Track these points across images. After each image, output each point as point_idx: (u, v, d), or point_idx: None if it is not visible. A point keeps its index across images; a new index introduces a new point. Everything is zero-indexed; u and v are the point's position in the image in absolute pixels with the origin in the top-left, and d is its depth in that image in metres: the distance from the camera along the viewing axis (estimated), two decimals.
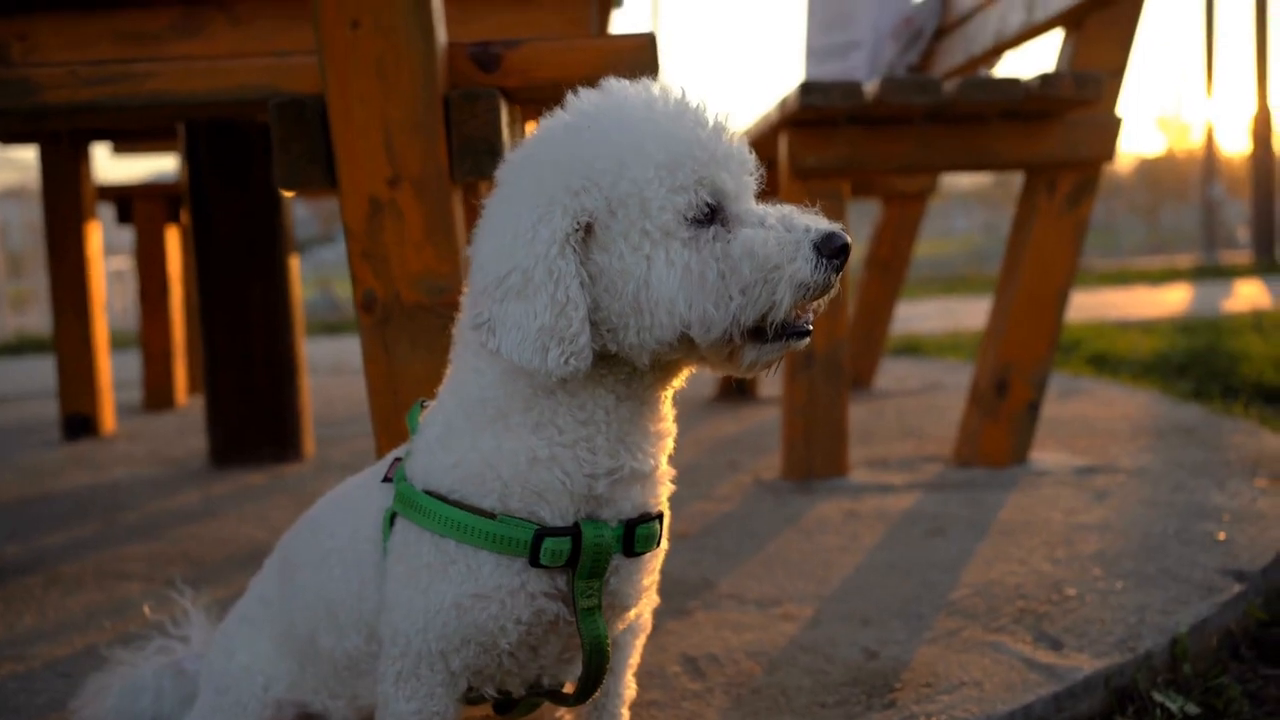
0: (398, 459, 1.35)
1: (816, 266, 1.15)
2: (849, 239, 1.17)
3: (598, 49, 1.76)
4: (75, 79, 1.71)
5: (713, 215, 1.17)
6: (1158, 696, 1.74)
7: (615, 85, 1.22)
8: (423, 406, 1.36)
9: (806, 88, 2.77)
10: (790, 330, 1.18)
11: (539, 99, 1.89)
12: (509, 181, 1.22)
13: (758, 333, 1.17)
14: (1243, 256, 17.33)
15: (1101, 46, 2.99)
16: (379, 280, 1.66)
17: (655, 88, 1.22)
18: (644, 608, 1.37)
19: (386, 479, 1.34)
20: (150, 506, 3.25)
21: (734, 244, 1.15)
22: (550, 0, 2.53)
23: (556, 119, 1.23)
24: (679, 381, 1.27)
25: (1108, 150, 3.01)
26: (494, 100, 1.63)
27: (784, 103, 2.97)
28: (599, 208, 1.15)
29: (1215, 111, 17.37)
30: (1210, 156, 18.51)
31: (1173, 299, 9.73)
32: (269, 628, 1.46)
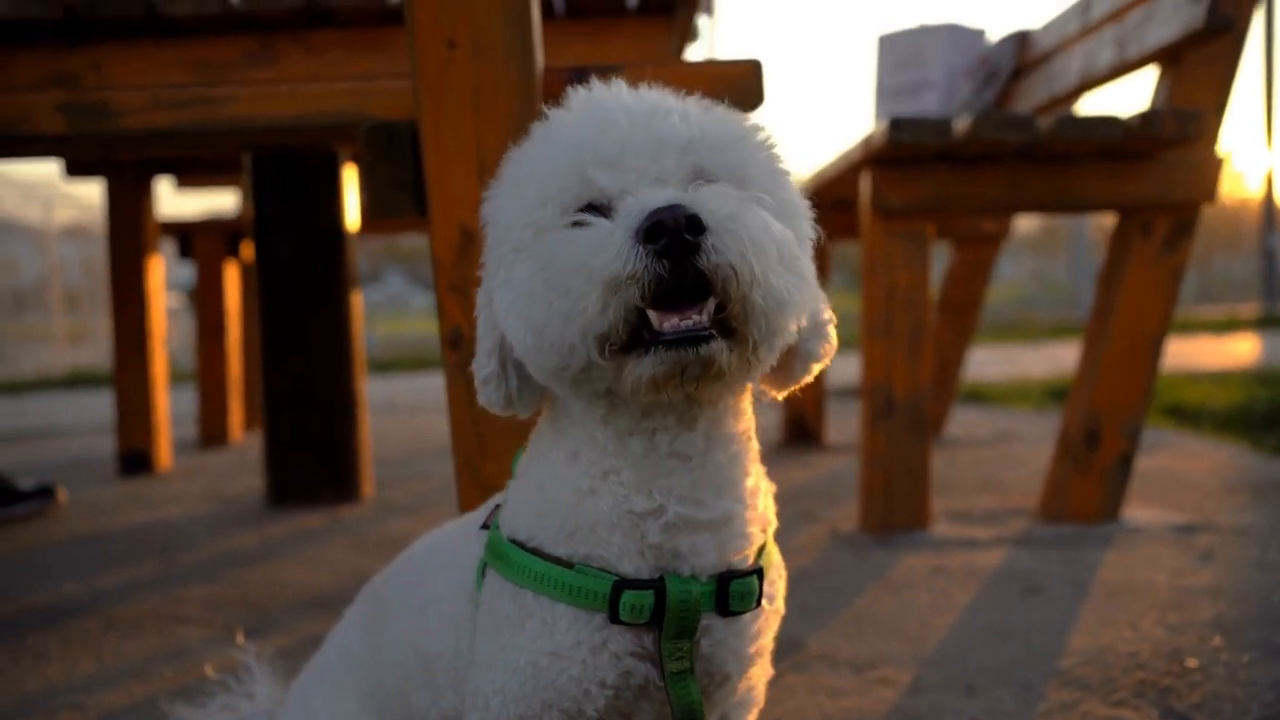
0: (498, 505, 1.24)
1: (630, 256, 0.93)
2: (677, 213, 0.92)
3: (700, 75, 1.66)
4: (155, 103, 1.64)
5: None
6: None
7: (575, 93, 1.11)
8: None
9: (895, 124, 2.66)
10: (660, 339, 0.95)
11: None
12: None
13: (631, 346, 0.97)
14: None
15: (1201, 84, 2.85)
16: (467, 316, 1.56)
17: (598, 89, 1.09)
18: (757, 679, 1.20)
19: (485, 526, 1.23)
20: (207, 547, 3.17)
21: (545, 249, 1.00)
22: (630, 30, 2.46)
23: None
24: (721, 425, 1.08)
25: (1208, 191, 2.87)
26: None
27: (869, 139, 2.87)
28: (490, 241, 1.12)
29: (1275, 159, 17.02)
30: (1270, 205, 18.18)
31: (1240, 349, 9.47)
32: (353, 684, 1.34)
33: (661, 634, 1.08)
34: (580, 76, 1.63)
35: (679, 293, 0.94)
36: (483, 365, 1.12)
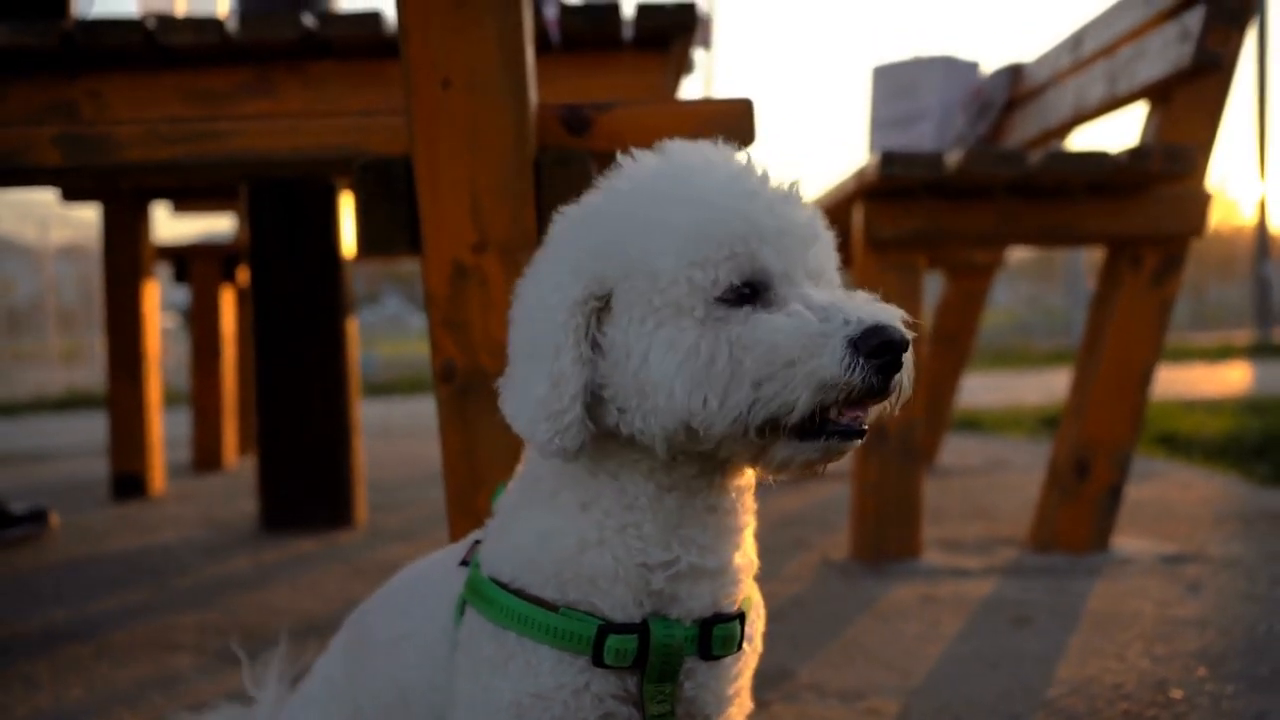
0: (477, 541, 1.26)
1: (850, 366, 0.99)
2: (901, 334, 1.00)
3: (692, 113, 1.69)
4: (155, 137, 1.66)
5: (753, 296, 1.04)
6: None
7: (674, 147, 1.12)
8: (505, 487, 1.27)
9: (887, 158, 2.69)
10: (833, 429, 1.02)
11: None
12: (549, 241, 1.15)
13: (780, 430, 1.02)
14: None
15: (1189, 120, 2.89)
16: (460, 349, 1.58)
17: (717, 152, 1.11)
18: (735, 716, 1.23)
19: (464, 562, 1.24)
20: (200, 572, 3.18)
21: (750, 329, 1.01)
22: (625, 64, 2.49)
23: (608, 179, 1.14)
24: (744, 477, 1.13)
25: (1197, 225, 2.90)
26: (586, 165, 1.57)
27: (861, 172, 2.90)
28: (617, 276, 1.05)
29: (1268, 187, 17.11)
30: (1263, 233, 18.24)
31: (1233, 377, 9.51)
32: (336, 712, 1.36)
33: (644, 677, 1.10)
34: (573, 113, 1.66)
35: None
36: (565, 409, 1.05)
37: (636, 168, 1.12)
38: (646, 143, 1.68)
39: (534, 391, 1.06)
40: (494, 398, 1.60)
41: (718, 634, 1.12)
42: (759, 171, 1.10)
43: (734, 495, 1.13)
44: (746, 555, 1.16)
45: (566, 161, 1.57)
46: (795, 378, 0.99)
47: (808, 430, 1.02)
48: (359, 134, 1.66)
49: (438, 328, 1.57)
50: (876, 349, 0.99)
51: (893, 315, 1.03)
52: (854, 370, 0.99)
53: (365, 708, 1.30)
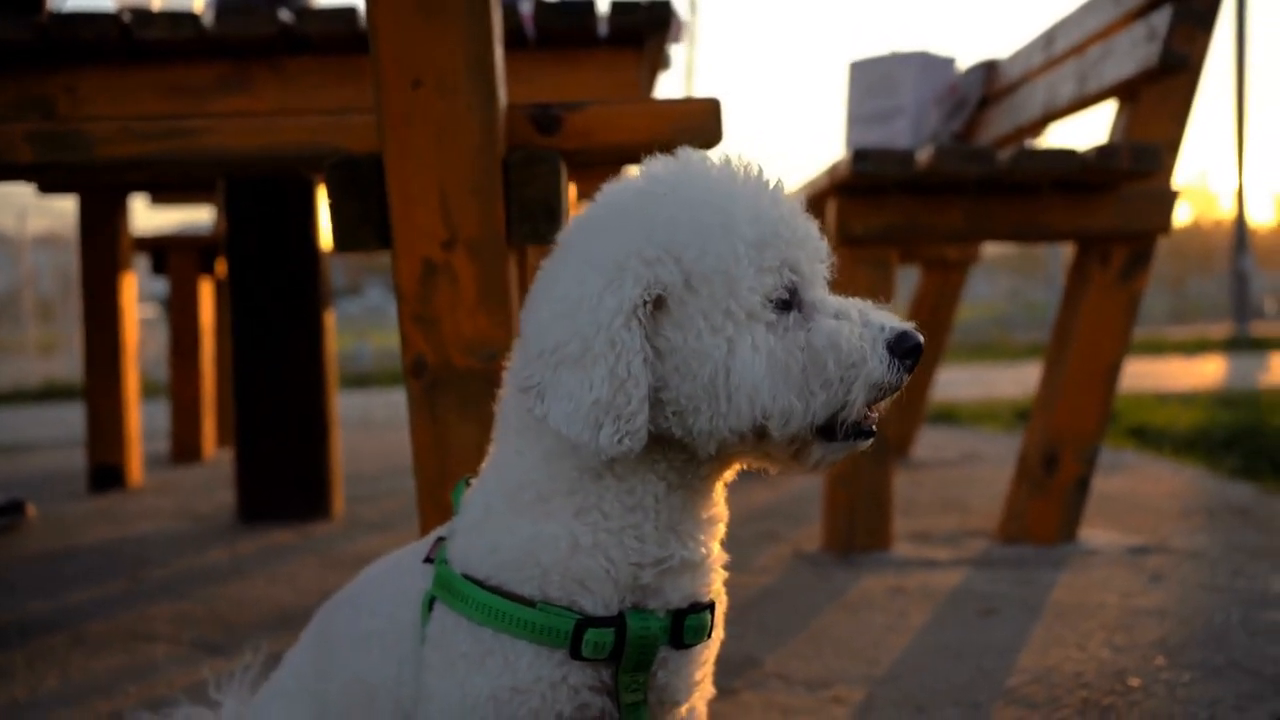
0: (440, 538, 1.28)
1: (890, 366, 1.10)
2: (921, 339, 1.12)
3: (661, 113, 1.72)
4: (128, 134, 1.68)
5: (790, 301, 1.11)
6: None
7: (693, 155, 1.16)
8: (467, 484, 1.29)
9: (859, 154, 2.72)
10: (857, 431, 1.12)
11: (597, 162, 1.86)
12: (574, 244, 1.15)
13: (825, 431, 1.12)
14: (1272, 328, 17.12)
15: (1156, 118, 2.94)
16: (429, 345, 1.61)
17: (734, 160, 1.16)
18: (697, 701, 1.27)
19: (428, 559, 1.27)
20: (177, 564, 3.20)
21: (815, 334, 1.09)
22: (599, 62, 2.52)
23: (629, 183, 1.16)
24: (731, 473, 1.19)
25: (1163, 223, 2.95)
26: (555, 164, 1.59)
27: (834, 169, 2.93)
28: (674, 281, 1.08)
29: (1246, 181, 17.22)
30: (1241, 227, 18.37)
31: (1207, 370, 9.60)
32: (303, 705, 1.38)
33: (620, 668, 1.14)
34: (543, 113, 1.68)
35: None
36: (636, 410, 1.06)
37: (660, 172, 1.15)
38: (616, 141, 1.72)
39: (589, 395, 1.05)
40: (463, 393, 1.64)
41: (689, 624, 1.16)
42: (775, 180, 1.16)
43: (720, 489, 1.19)
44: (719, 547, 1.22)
45: (536, 161, 1.60)
46: (856, 379, 1.09)
47: (850, 431, 1.12)
48: (332, 132, 1.68)
49: (408, 323, 1.60)
50: (908, 351, 1.10)
51: (901, 320, 1.14)
52: (893, 371, 1.10)
53: (332, 702, 1.32)
